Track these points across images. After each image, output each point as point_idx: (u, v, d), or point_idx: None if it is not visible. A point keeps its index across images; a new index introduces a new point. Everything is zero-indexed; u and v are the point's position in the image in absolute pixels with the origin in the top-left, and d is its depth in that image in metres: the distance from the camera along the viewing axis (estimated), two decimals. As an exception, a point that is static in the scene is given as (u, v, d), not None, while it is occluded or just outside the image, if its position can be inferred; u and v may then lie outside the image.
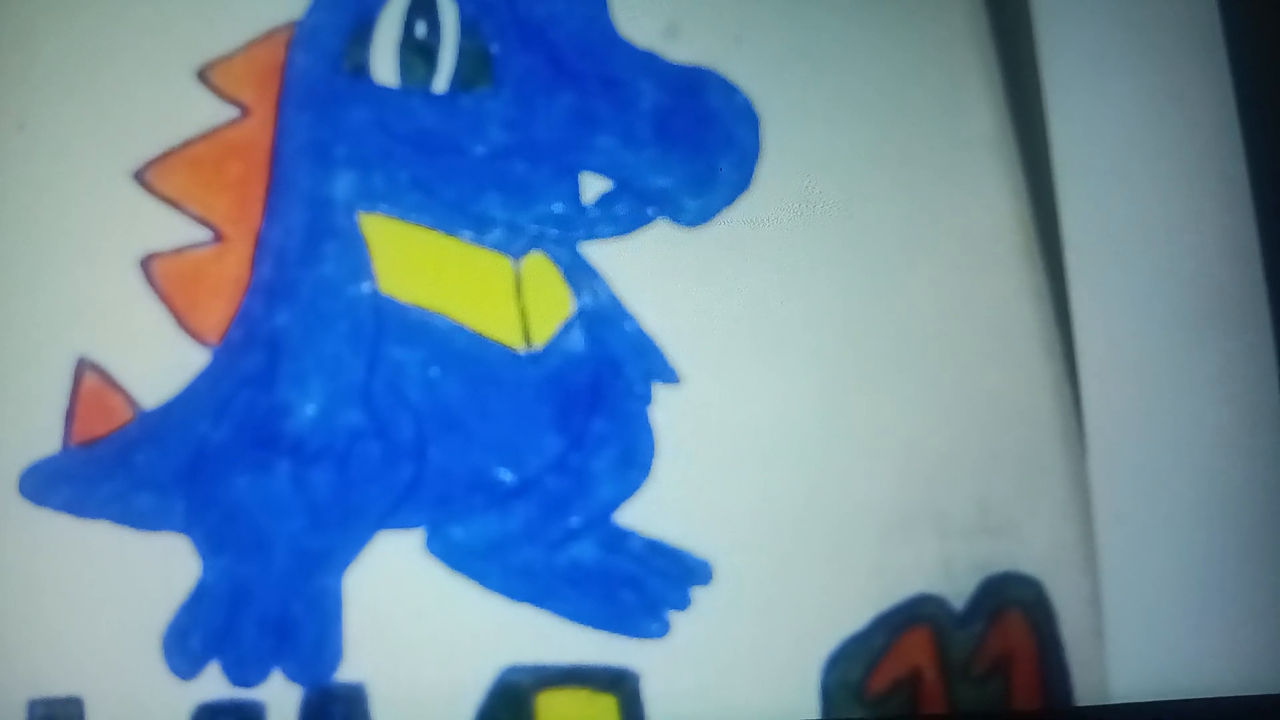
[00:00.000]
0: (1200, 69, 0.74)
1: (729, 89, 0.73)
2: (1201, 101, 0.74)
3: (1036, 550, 0.71)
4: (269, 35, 0.73)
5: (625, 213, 0.72)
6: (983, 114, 0.74)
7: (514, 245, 0.72)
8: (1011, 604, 0.70)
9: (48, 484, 0.69)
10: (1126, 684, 0.70)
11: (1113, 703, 0.69)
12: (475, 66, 0.73)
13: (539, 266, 0.72)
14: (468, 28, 0.73)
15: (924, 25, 0.75)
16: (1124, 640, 0.70)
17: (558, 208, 0.72)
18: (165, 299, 0.71)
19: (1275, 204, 0.73)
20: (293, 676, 0.68)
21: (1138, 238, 0.73)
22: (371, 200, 0.71)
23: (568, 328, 0.71)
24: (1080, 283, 0.72)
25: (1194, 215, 0.73)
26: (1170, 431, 0.71)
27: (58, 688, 0.68)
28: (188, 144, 0.72)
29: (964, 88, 0.74)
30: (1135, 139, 0.74)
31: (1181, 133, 0.74)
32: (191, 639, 0.68)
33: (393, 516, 0.69)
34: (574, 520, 0.70)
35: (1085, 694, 0.70)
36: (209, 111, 0.72)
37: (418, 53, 0.73)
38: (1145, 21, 0.75)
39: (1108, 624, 0.70)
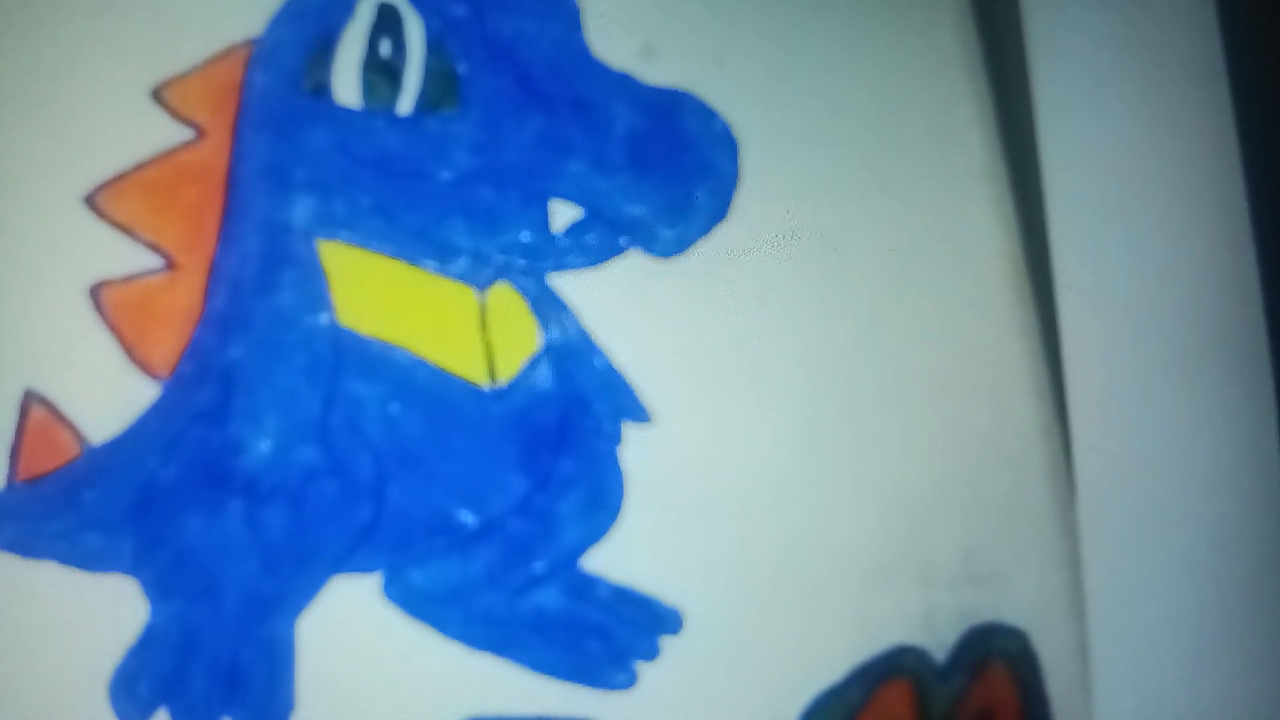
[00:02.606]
0: (1198, 100, 0.72)
1: (707, 113, 0.71)
2: (1199, 134, 0.72)
3: (1023, 600, 0.70)
4: (227, 53, 0.70)
5: (596, 242, 0.70)
6: (972, 144, 0.73)
7: (479, 275, 0.70)
8: (996, 656, 0.69)
9: (-9, 522, 0.67)
10: (1113, 740, 0.68)
11: (1100, 760, 0.68)
12: (441, 87, 0.71)
13: (505, 298, 0.70)
14: (434, 47, 0.71)
15: (913, 50, 0.73)
16: (1111, 694, 0.69)
17: (526, 236, 0.70)
18: (115, 329, 0.68)
19: (1275, 241, 0.71)
20: (244, 725, 0.66)
21: (1132, 275, 0.71)
22: (331, 227, 0.69)
23: (534, 363, 0.69)
24: (1072, 321, 0.71)
25: (1190, 252, 0.72)
26: (1163, 477, 0.70)
27: (0, 734, 0.66)
28: (140, 167, 0.69)
29: (954, 116, 0.73)
30: (1130, 172, 0.72)
31: (1178, 166, 0.72)
32: (140, 685, 0.66)
33: (349, 559, 0.67)
34: (538, 565, 0.68)
35: (1071, 751, 0.68)
36: (163, 133, 0.70)
37: (382, 73, 0.70)
38: (1142, 51, 0.73)
39: (1095, 677, 0.69)
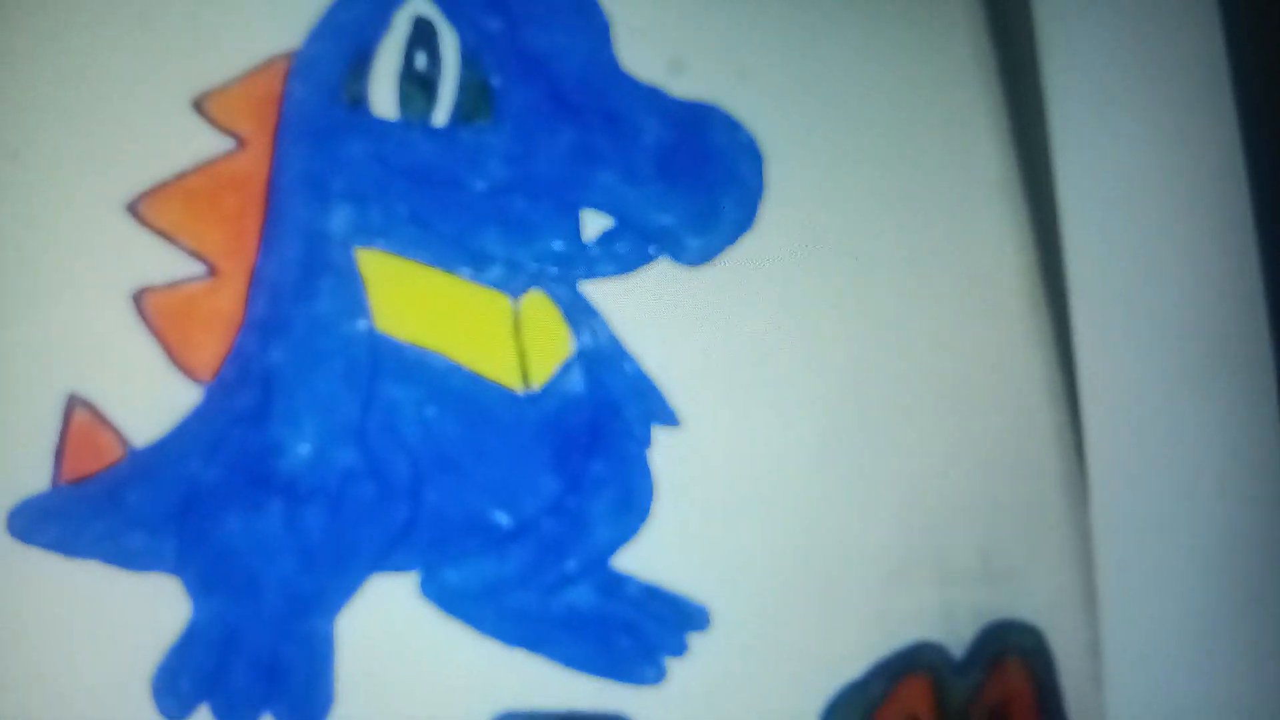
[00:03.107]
0: (1207, 115, 0.74)
1: (733, 126, 0.73)
2: (1208, 148, 0.74)
3: (1037, 598, 0.71)
4: (266, 65, 0.72)
5: (626, 251, 0.72)
6: (989, 157, 0.75)
7: (513, 283, 0.71)
8: (1011, 652, 0.71)
9: (36, 522, 0.68)
10: (1126, 733, 0.70)
11: (1112, 752, 0.69)
12: (475, 99, 0.72)
13: (538, 305, 0.71)
14: (468, 60, 0.72)
15: (931, 66, 0.75)
16: (1123, 689, 0.70)
17: (558, 245, 0.72)
18: (158, 334, 0.70)
19: (1278, 251, 0.73)
20: (284, 720, 0.68)
21: (1143, 284, 0.73)
22: (368, 235, 0.71)
23: (566, 368, 0.71)
24: (1084, 329, 0.72)
25: (1200, 263, 0.73)
26: (1173, 480, 0.72)
27: (47, 728, 0.67)
28: (182, 176, 0.71)
29: (970, 130, 0.75)
30: (1142, 185, 0.74)
31: (1188, 179, 0.73)
32: (181, 681, 0.68)
33: (386, 559, 0.69)
34: (570, 564, 0.70)
35: (1084, 744, 0.70)
36: (205, 143, 0.71)
37: (417, 85, 0.72)
38: (1152, 67, 0.74)
39: (1108, 672, 0.71)
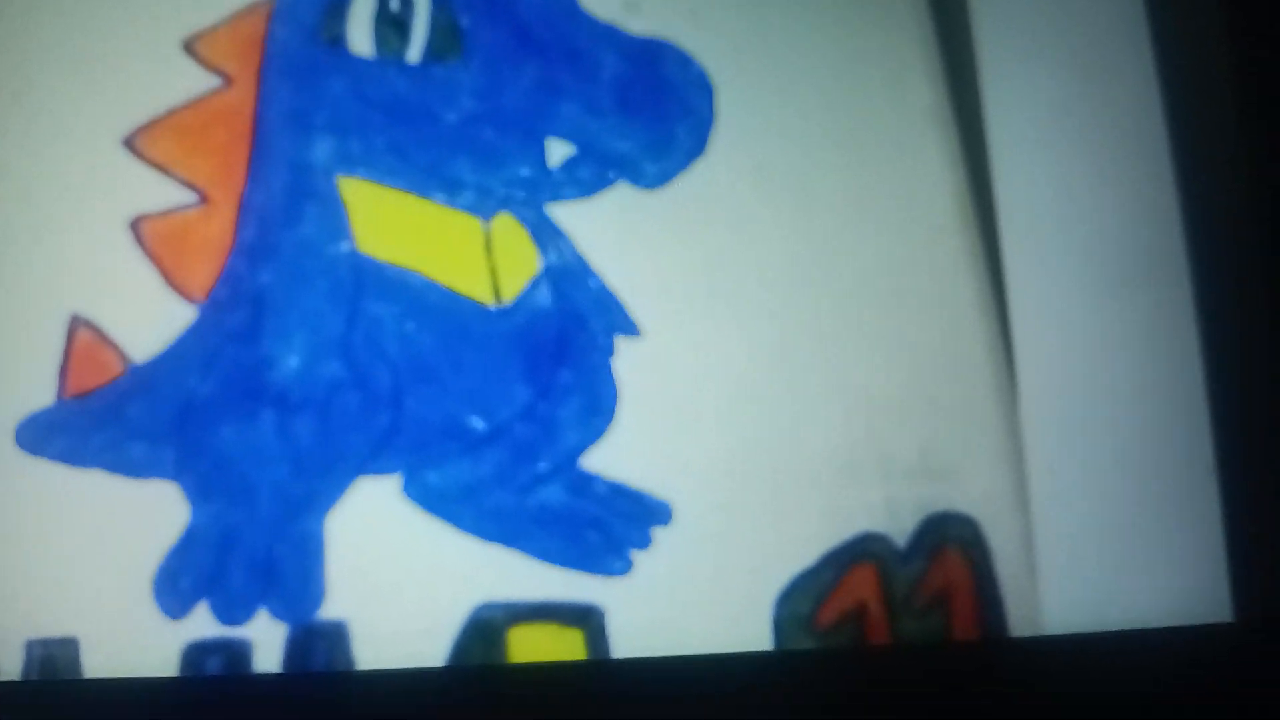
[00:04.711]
0: (1124, 45, 0.78)
1: (685, 60, 0.77)
2: (1126, 76, 0.78)
3: (973, 492, 0.74)
4: (251, 9, 0.76)
5: (588, 176, 0.76)
6: (923, 89, 0.78)
7: (484, 207, 0.75)
8: (951, 542, 0.74)
9: (43, 435, 0.72)
10: (1058, 617, 0.73)
11: (1045, 634, 0.73)
12: (446, 39, 0.76)
13: (507, 227, 0.75)
14: (439, 2, 0.76)
15: (869, 5, 0.78)
16: (1055, 576, 0.74)
17: (525, 171, 0.75)
18: (154, 259, 0.74)
19: (1194, 170, 0.77)
20: (278, 615, 0.71)
21: (1066, 203, 0.76)
22: (349, 164, 0.75)
23: (535, 284, 0.75)
24: (1013, 245, 0.76)
25: (1118, 182, 0.77)
26: (1096, 383, 0.75)
27: (54, 628, 0.71)
28: (174, 112, 0.75)
29: (906, 64, 0.78)
30: (1064, 112, 0.77)
31: (1107, 105, 0.77)
32: (181, 581, 0.71)
33: (371, 463, 0.73)
34: (542, 465, 0.73)
35: (1019, 626, 0.73)
36: (194, 81, 0.75)
37: (392, 25, 0.76)
38: (1074, 5, 0.78)
39: (1040, 561, 0.74)
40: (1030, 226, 0.76)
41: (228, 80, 0.75)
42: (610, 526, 0.73)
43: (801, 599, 0.73)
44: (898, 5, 0.79)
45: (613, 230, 0.75)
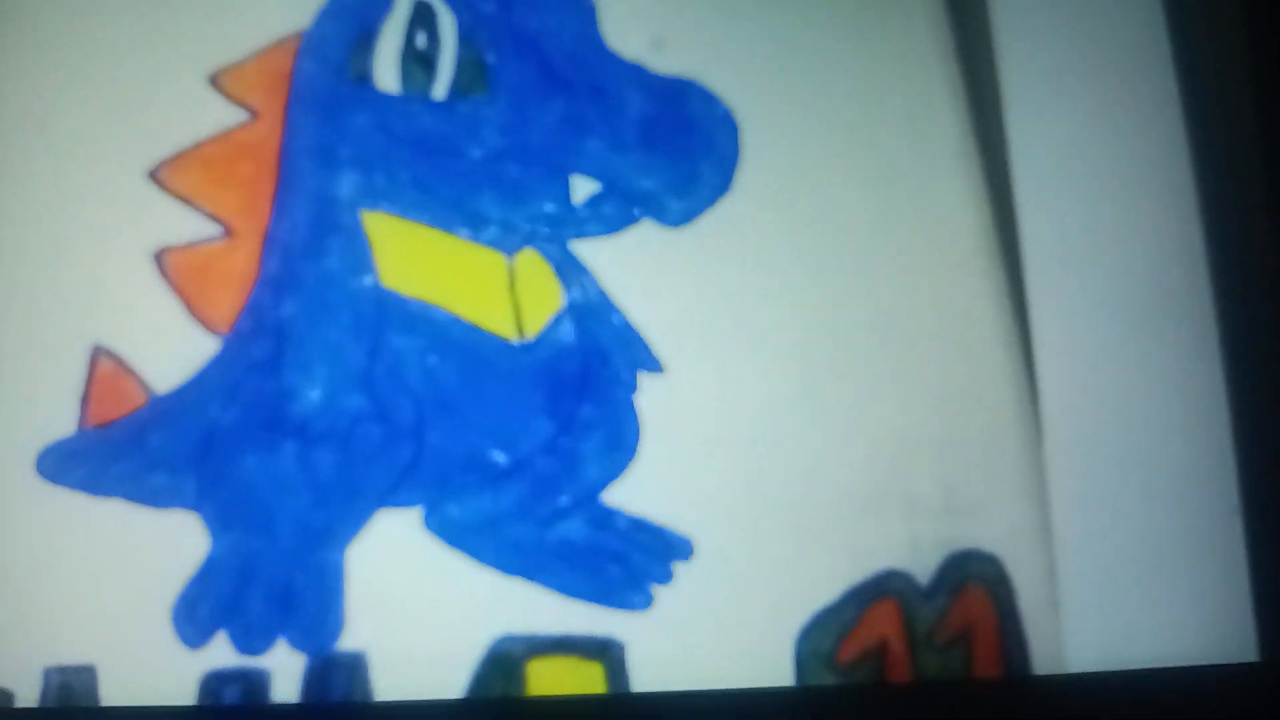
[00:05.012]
0: (1149, 84, 0.78)
1: (710, 98, 0.77)
2: (1150, 109, 0.78)
3: (997, 529, 0.74)
4: (278, 44, 0.76)
5: (613, 213, 0.76)
6: (947, 127, 0.78)
7: (508, 242, 0.75)
8: (973, 579, 0.74)
9: (64, 464, 0.72)
10: (1081, 654, 0.73)
11: (1068, 672, 0.73)
12: (472, 75, 0.76)
13: (531, 262, 0.75)
14: (465, 39, 0.77)
15: (893, 43, 0.79)
16: (1079, 613, 0.73)
17: (549, 207, 0.76)
18: (177, 290, 0.74)
19: (1219, 207, 0.76)
20: (297, 645, 0.71)
21: (1091, 239, 0.76)
22: (374, 199, 0.75)
23: (558, 320, 0.75)
24: (1037, 281, 0.76)
25: (1143, 218, 0.77)
26: (1121, 418, 0.75)
27: (73, 656, 0.71)
28: (200, 145, 0.75)
29: (930, 102, 0.78)
30: (1088, 149, 0.77)
31: (1131, 139, 0.77)
32: (200, 610, 0.71)
33: (392, 495, 0.73)
34: (563, 499, 0.73)
35: (1042, 664, 0.73)
36: (221, 115, 0.76)
37: (418, 62, 0.76)
38: (1099, 40, 0.78)
39: (1064, 598, 0.73)
40: (1054, 262, 0.76)
41: (254, 114, 0.76)
42: (631, 561, 0.73)
43: (823, 635, 0.73)
44: (921, 41, 0.79)
45: (637, 267, 0.76)
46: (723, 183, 0.77)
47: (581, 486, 0.73)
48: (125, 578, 0.71)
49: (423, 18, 0.77)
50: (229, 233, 0.74)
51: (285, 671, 0.71)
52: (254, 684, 0.71)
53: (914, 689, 0.72)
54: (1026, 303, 0.76)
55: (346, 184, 0.75)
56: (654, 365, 0.75)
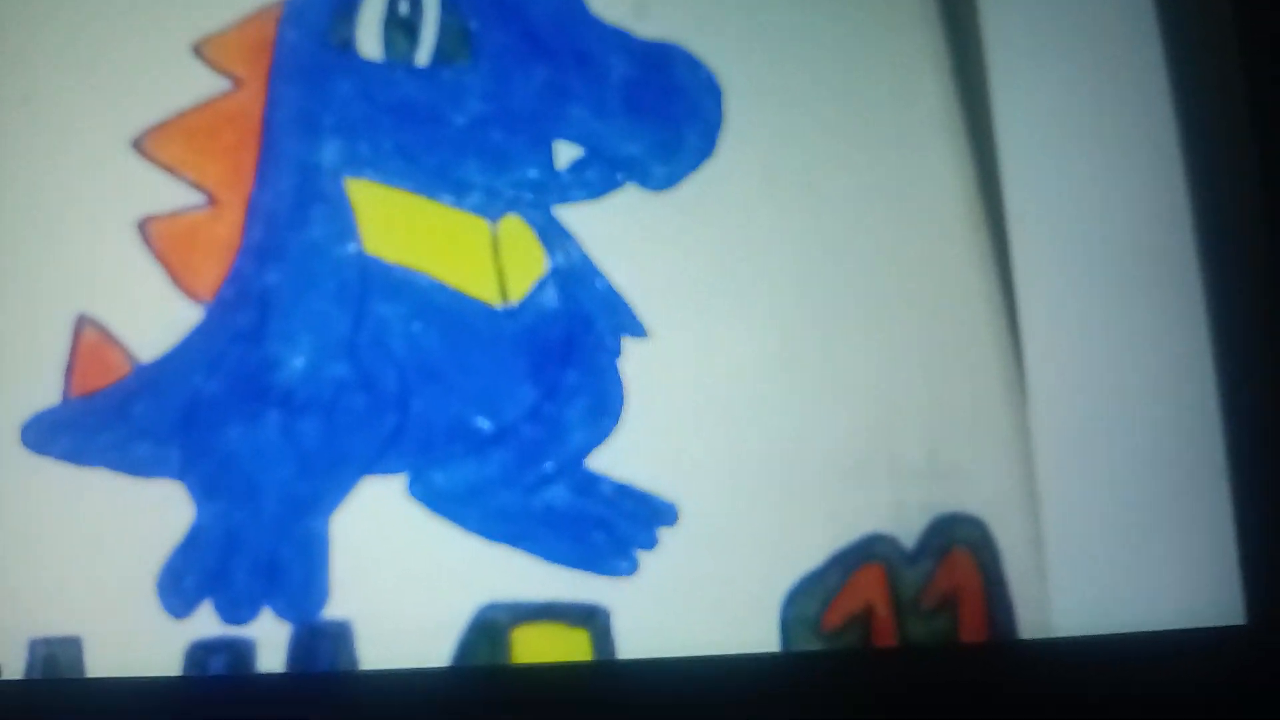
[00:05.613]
0: (1134, 45, 0.78)
1: (694, 63, 0.77)
2: (1136, 76, 0.78)
3: (982, 493, 0.74)
4: (260, 12, 0.76)
5: (596, 178, 0.76)
6: (932, 89, 0.78)
7: (492, 208, 0.75)
8: (959, 543, 0.74)
9: (48, 434, 0.72)
10: (1067, 619, 0.73)
11: (1054, 636, 0.73)
12: (455, 42, 0.76)
13: (515, 228, 0.75)
14: (448, 5, 0.76)
15: (877, 8, 0.79)
16: (1065, 577, 0.73)
17: (533, 173, 0.76)
18: (161, 259, 0.74)
19: (1204, 173, 0.76)
20: (282, 614, 0.71)
21: (1075, 203, 0.76)
22: (357, 166, 0.75)
23: (542, 285, 0.75)
24: (1022, 246, 0.76)
25: (1129, 183, 0.77)
26: (1106, 383, 0.75)
27: (58, 627, 0.71)
28: (183, 114, 0.75)
29: (914, 65, 0.78)
30: (1073, 112, 0.77)
31: (1116, 105, 0.77)
32: (185, 580, 0.71)
33: (377, 463, 0.73)
34: (548, 466, 0.73)
35: (1028, 628, 0.73)
36: (203, 84, 0.75)
37: (401, 29, 0.76)
38: (1084, 7, 0.78)
39: (1049, 562, 0.73)
40: (1039, 227, 0.76)
41: (237, 83, 0.75)
42: (616, 527, 0.73)
43: (808, 600, 0.73)
44: (906, 7, 0.79)
45: (620, 232, 0.75)
46: (706, 147, 0.77)
47: (566, 452, 0.73)
48: (110, 548, 0.71)
49: (405, -16, 0.77)
50: (212, 201, 0.74)
51: (271, 641, 0.71)
52: (239, 653, 0.71)
53: (899, 654, 0.73)
54: (1011, 267, 0.76)
55: (329, 152, 0.75)
56: (638, 330, 0.75)
